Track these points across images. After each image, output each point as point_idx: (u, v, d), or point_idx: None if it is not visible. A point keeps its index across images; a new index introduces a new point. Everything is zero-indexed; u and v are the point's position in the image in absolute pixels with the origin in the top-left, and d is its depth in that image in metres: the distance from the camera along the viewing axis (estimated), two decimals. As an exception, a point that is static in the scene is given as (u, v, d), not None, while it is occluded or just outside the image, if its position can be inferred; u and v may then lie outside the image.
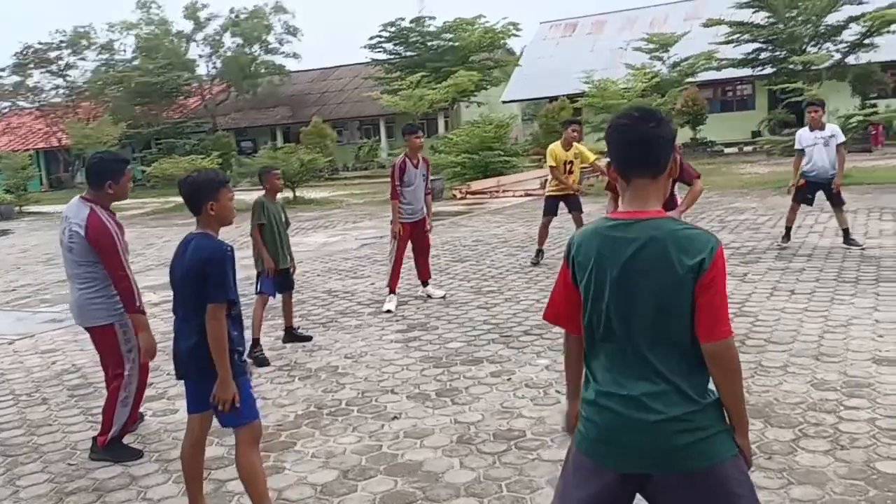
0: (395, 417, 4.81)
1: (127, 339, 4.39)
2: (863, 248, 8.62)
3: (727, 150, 27.15)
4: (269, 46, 39.44)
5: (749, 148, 26.87)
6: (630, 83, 20.45)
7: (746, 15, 25.38)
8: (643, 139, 2.12)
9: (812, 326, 5.96)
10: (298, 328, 6.99)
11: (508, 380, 5.34)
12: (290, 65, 40.35)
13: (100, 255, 4.23)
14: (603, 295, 2.13)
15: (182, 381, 3.51)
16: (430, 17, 30.28)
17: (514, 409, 4.79)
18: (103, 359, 4.50)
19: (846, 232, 8.88)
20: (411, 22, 30.71)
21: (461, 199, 20.62)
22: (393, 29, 31.23)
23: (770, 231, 10.52)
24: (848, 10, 23.26)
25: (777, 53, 24.35)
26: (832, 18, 23.39)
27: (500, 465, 4.00)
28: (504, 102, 35.49)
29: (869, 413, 4.23)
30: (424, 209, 7.99)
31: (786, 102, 28.41)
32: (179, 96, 38.23)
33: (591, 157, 9.57)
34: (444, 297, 8.05)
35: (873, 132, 22.05)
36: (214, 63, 37.94)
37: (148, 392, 5.04)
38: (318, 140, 30.39)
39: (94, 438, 4.55)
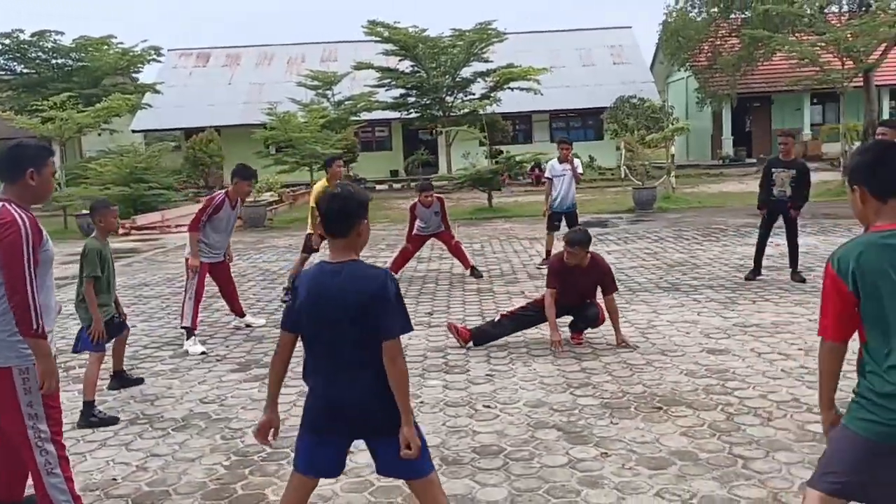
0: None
1: (27, 390, 3.33)
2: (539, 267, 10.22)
3: (378, 187, 29.03)
4: None
5: (398, 185, 29.05)
6: (305, 119, 20.77)
7: (393, 62, 27.55)
8: None
9: (629, 329, 6.92)
10: (124, 371, 5.99)
11: (422, 402, 5.29)
12: None
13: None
14: None
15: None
16: (58, 33, 26.97)
17: (463, 427, 4.80)
18: None
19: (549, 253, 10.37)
20: (32, 35, 27.02)
21: (125, 234, 18.90)
22: (7, 41, 27.15)
23: (495, 256, 11.77)
24: (476, 66, 26.67)
25: (422, 100, 26.82)
26: (466, 72, 26.58)
27: (516, 477, 4.04)
28: (134, 132, 33.16)
29: (752, 391, 5.17)
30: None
31: (426, 145, 31.54)
32: None
33: None
34: (265, 325, 7.84)
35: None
36: None
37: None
38: None
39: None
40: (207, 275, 7.32)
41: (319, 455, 2.97)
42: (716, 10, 27.49)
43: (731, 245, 11.71)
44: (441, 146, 30.71)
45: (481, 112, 26.25)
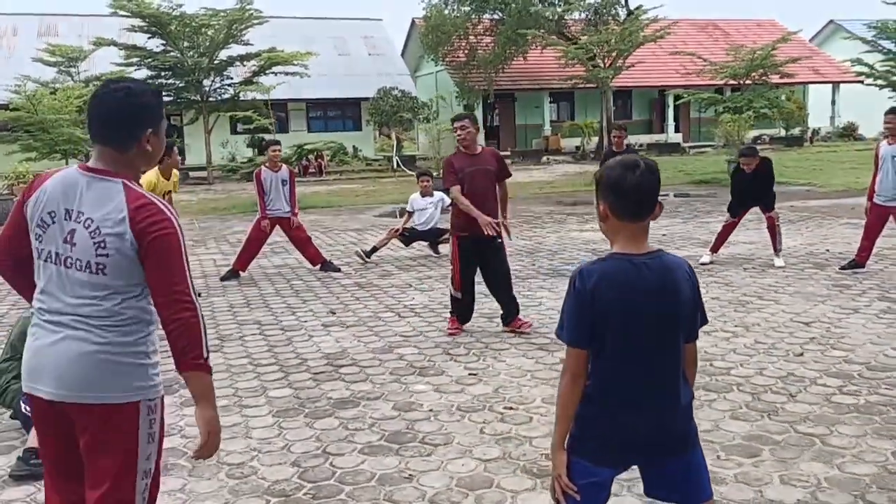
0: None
1: (151, 436, 2.34)
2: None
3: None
4: None
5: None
6: (52, 98, 17.74)
7: (132, 38, 24.77)
8: None
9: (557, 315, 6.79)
10: None
11: (431, 410, 4.67)
12: None
13: (157, 268, 2.25)
14: None
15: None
16: None
17: (507, 434, 4.29)
18: (98, 469, 2.29)
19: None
20: None
21: None
22: None
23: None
24: (236, 49, 24.93)
25: (176, 82, 24.47)
26: (224, 54, 24.72)
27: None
28: None
29: (743, 369, 5.28)
30: None
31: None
32: None
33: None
34: None
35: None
36: None
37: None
38: None
39: None
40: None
41: (603, 493, 2.38)
42: (468, 8, 28.58)
43: (561, 231, 12.15)
44: (190, 134, 28.44)
45: (241, 98, 24.70)
